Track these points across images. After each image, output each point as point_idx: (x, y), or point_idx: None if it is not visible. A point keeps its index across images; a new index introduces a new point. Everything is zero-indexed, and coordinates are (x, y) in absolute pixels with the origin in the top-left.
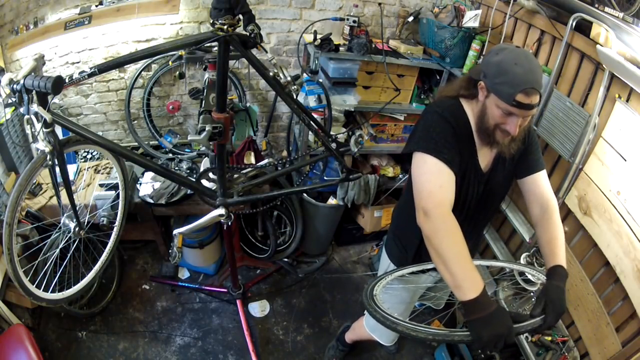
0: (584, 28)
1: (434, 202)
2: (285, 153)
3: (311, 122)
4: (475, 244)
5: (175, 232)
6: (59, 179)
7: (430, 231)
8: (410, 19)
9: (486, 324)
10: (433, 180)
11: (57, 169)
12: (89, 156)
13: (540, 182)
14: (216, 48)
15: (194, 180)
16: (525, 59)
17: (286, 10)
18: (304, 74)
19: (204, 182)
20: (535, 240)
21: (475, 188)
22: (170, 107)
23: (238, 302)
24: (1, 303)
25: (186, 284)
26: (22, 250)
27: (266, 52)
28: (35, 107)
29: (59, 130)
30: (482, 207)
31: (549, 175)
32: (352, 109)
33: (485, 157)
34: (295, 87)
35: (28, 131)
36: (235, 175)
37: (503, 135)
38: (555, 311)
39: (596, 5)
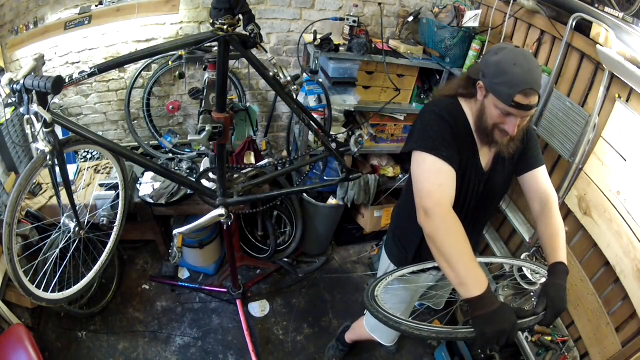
0: (584, 28)
1: (434, 201)
2: (285, 153)
3: (311, 122)
4: (475, 244)
5: (175, 232)
6: (59, 179)
7: (431, 230)
8: (410, 19)
9: (490, 321)
10: (432, 180)
11: (57, 169)
12: (89, 156)
13: (540, 178)
14: (216, 48)
15: (194, 180)
16: (524, 59)
17: (286, 10)
18: (304, 74)
19: (204, 182)
20: (536, 240)
21: (475, 187)
22: (170, 107)
23: (238, 302)
24: (1, 303)
25: (186, 284)
26: (22, 250)
27: (266, 52)
28: (35, 107)
29: (59, 130)
30: (482, 206)
31: (549, 176)
32: (352, 109)
33: (485, 156)
34: (295, 87)
35: (28, 131)
36: (235, 175)
37: (502, 135)
38: (555, 309)
39: (596, 5)
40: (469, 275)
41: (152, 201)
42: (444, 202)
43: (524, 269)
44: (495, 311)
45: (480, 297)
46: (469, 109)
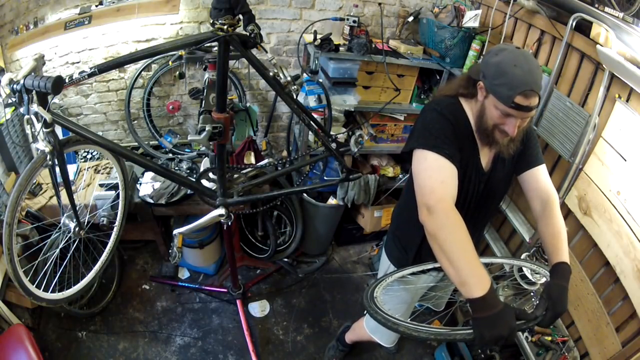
0: (584, 28)
1: (436, 197)
2: (285, 153)
3: (311, 122)
4: (475, 244)
5: (175, 232)
6: (59, 179)
7: (433, 227)
8: (410, 19)
9: (491, 325)
10: (434, 177)
11: (57, 169)
12: (89, 156)
13: (539, 177)
14: (216, 48)
15: (194, 180)
16: (524, 60)
17: (286, 10)
18: (304, 74)
19: (204, 182)
20: (536, 240)
21: (476, 187)
22: (170, 107)
23: (238, 302)
24: (1, 303)
25: (186, 284)
26: (22, 250)
27: (266, 52)
28: (35, 107)
29: (59, 130)
30: (482, 206)
31: (549, 176)
32: (352, 109)
33: (485, 156)
34: (295, 87)
35: (28, 131)
36: (235, 175)
37: (502, 135)
38: (555, 311)
39: (596, 5)
40: (471, 275)
41: (152, 201)
42: (447, 198)
43: (524, 269)
44: (497, 315)
45: (482, 298)
46: (469, 108)
